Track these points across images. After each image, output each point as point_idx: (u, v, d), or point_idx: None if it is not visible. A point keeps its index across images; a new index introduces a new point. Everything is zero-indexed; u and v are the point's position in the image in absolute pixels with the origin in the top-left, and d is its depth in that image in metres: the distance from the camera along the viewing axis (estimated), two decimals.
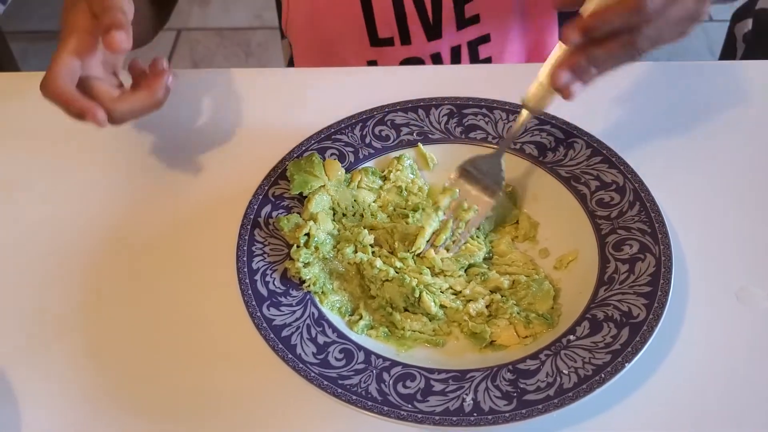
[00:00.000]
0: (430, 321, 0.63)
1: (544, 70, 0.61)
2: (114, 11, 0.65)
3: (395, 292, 0.64)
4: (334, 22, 0.94)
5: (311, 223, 0.65)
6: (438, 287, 0.64)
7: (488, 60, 0.97)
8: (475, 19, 0.93)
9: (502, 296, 0.64)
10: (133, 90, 0.69)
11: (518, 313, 0.62)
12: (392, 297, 0.64)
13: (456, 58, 0.96)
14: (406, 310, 0.64)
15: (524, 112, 0.65)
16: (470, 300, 0.64)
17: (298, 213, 0.68)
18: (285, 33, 1.01)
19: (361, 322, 0.63)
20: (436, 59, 0.95)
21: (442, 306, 0.64)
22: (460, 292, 0.65)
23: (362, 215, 0.70)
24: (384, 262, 0.65)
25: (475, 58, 0.96)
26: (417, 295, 0.63)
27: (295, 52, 1.03)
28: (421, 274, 0.64)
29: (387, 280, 0.64)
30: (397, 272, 0.65)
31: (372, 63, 0.96)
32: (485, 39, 0.95)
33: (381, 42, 0.94)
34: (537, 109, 0.64)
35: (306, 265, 0.64)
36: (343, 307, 0.64)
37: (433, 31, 0.93)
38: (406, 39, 0.93)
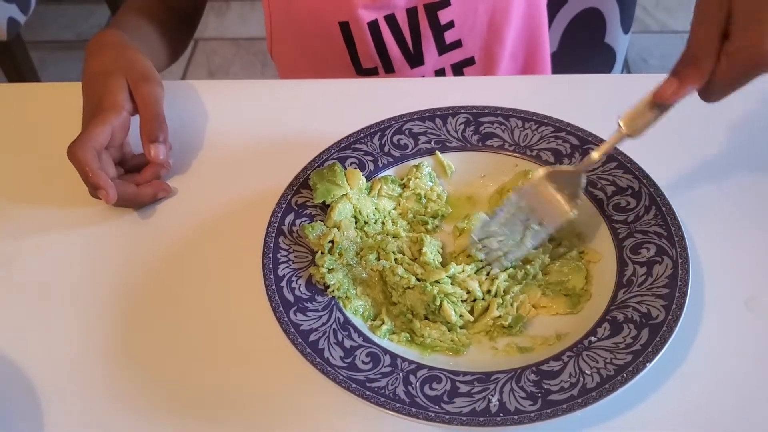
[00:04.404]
0: (449, 331, 0.64)
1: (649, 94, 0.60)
2: (160, 122, 0.76)
3: (416, 299, 0.65)
4: (320, 52, 0.96)
5: (335, 230, 0.67)
6: (459, 296, 0.66)
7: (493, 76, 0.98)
8: (458, 44, 0.94)
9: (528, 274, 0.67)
10: (132, 176, 0.78)
11: (546, 285, 0.66)
12: (413, 304, 0.65)
13: None
14: (426, 318, 0.65)
15: (618, 132, 0.62)
16: (496, 294, 0.66)
17: (321, 220, 0.69)
18: (271, 56, 1.03)
19: (384, 327, 0.64)
20: None
21: (461, 316, 0.65)
22: (488, 291, 0.66)
23: (383, 223, 0.71)
24: (406, 270, 0.66)
25: None
26: (438, 304, 0.64)
27: (281, 74, 1.05)
28: (440, 282, 0.66)
29: (408, 288, 0.66)
30: (418, 280, 0.66)
31: None
32: (470, 62, 0.96)
33: (366, 71, 0.96)
34: (632, 131, 0.61)
35: (330, 270, 0.65)
36: (365, 312, 0.65)
37: (415, 59, 0.94)
38: (389, 68, 0.95)
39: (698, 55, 0.58)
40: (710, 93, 0.59)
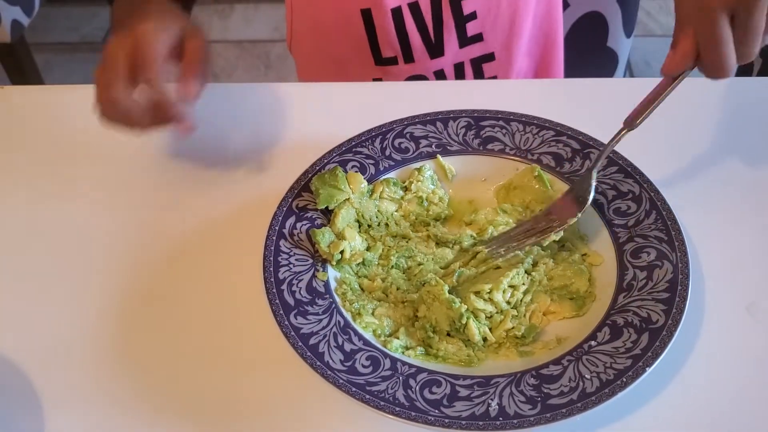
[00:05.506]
0: (466, 347, 0.63)
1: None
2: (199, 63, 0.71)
3: (442, 314, 0.64)
4: (339, 42, 0.96)
5: (345, 242, 0.67)
6: (488, 313, 0.64)
7: (494, 79, 0.98)
8: (479, 38, 0.94)
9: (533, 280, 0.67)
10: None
11: (552, 291, 0.65)
12: (438, 319, 0.64)
13: (460, 75, 0.97)
14: (447, 334, 0.64)
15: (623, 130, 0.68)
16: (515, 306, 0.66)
17: (323, 224, 0.69)
18: (290, 50, 1.03)
19: (396, 342, 0.63)
20: (440, 76, 0.96)
21: (484, 339, 0.63)
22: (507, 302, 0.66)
23: (387, 224, 0.72)
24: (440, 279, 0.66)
25: (479, 76, 0.97)
26: (464, 322, 0.63)
27: (300, 69, 1.05)
28: (478, 294, 0.65)
29: (437, 300, 0.64)
30: (450, 292, 0.64)
31: (377, 80, 0.98)
32: (490, 57, 0.96)
33: (385, 61, 0.95)
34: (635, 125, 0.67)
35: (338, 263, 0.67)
36: (378, 329, 0.64)
37: (436, 49, 0.94)
38: (409, 57, 0.95)
39: (681, 21, 0.62)
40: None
